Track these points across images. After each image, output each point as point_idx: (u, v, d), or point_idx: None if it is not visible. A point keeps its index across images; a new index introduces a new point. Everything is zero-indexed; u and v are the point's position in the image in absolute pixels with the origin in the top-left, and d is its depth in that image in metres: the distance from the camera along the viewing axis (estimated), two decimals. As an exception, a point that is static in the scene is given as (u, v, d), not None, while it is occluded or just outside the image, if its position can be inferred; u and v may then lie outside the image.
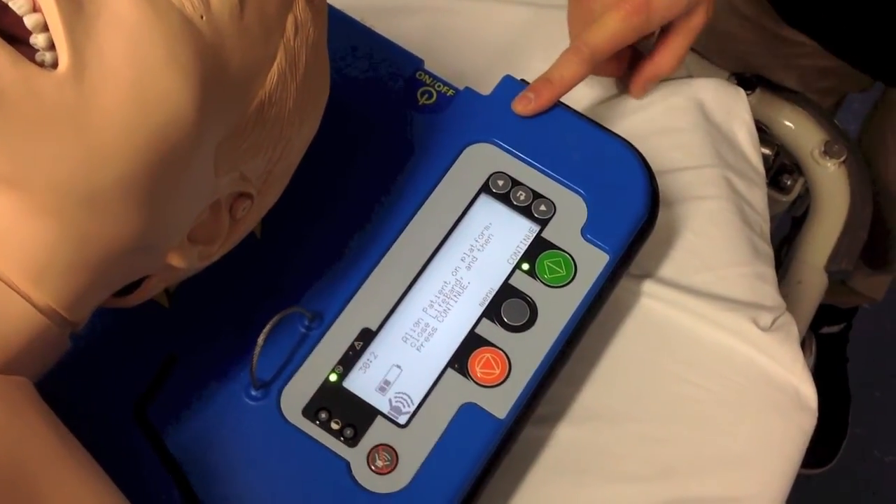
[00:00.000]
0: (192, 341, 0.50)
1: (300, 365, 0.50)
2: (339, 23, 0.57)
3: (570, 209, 0.53)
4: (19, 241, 0.37)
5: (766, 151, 0.73)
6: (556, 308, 0.51)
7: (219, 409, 0.49)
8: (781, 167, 0.76)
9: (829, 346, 1.28)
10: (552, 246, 0.53)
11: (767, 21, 0.81)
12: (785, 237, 0.83)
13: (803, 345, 0.90)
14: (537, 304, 0.51)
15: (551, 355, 0.50)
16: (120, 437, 0.48)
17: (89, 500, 0.36)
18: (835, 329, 1.26)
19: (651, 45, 0.62)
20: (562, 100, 0.57)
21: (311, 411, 0.49)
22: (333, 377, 0.50)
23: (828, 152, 0.73)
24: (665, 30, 0.60)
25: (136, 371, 0.50)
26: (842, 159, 0.73)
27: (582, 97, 0.64)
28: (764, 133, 0.74)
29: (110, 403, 0.49)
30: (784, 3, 0.79)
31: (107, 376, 0.50)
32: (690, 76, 0.68)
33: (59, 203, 0.36)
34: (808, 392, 0.58)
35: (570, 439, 0.55)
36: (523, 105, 0.55)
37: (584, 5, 0.58)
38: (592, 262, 0.52)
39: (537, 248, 0.53)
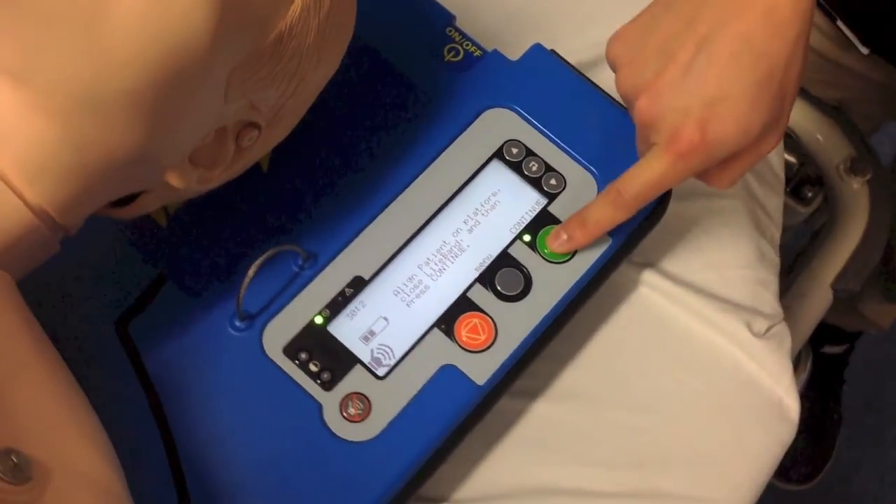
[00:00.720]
0: (184, 263, 0.50)
1: (287, 303, 0.50)
2: (375, -33, 0.56)
3: (581, 187, 0.53)
4: (20, 139, 0.37)
5: (791, 158, 0.72)
6: (551, 284, 0.51)
7: (201, 334, 0.49)
8: (804, 178, 0.75)
9: (828, 367, 1.27)
10: (557, 221, 0.52)
11: (817, 40, 0.79)
12: (801, 250, 0.82)
13: (798, 359, 0.89)
14: (533, 277, 0.51)
15: (538, 330, 0.50)
16: (100, 348, 0.49)
17: (51, 400, 0.36)
18: (836, 350, 1.25)
19: None
20: (593, 79, 0.56)
21: (291, 350, 0.49)
22: (319, 320, 0.49)
23: (853, 169, 0.72)
24: None
25: (125, 285, 0.50)
26: (866, 178, 0.72)
27: (609, 77, 0.63)
28: (792, 140, 0.73)
29: (95, 314, 0.49)
30: (863, 25, 0.75)
31: (95, 287, 0.50)
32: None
33: (63, 104, 0.36)
34: (792, 404, 0.57)
35: (545, 416, 0.55)
36: (557, 245, 0.51)
37: (641, 127, 0.48)
38: (594, 244, 0.52)
39: (542, 221, 0.52)
